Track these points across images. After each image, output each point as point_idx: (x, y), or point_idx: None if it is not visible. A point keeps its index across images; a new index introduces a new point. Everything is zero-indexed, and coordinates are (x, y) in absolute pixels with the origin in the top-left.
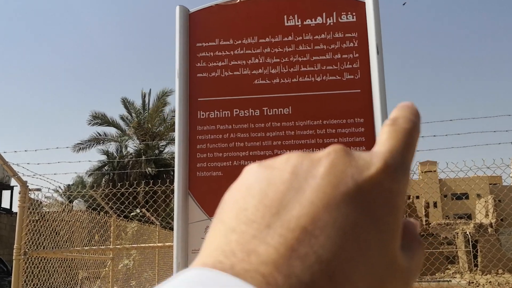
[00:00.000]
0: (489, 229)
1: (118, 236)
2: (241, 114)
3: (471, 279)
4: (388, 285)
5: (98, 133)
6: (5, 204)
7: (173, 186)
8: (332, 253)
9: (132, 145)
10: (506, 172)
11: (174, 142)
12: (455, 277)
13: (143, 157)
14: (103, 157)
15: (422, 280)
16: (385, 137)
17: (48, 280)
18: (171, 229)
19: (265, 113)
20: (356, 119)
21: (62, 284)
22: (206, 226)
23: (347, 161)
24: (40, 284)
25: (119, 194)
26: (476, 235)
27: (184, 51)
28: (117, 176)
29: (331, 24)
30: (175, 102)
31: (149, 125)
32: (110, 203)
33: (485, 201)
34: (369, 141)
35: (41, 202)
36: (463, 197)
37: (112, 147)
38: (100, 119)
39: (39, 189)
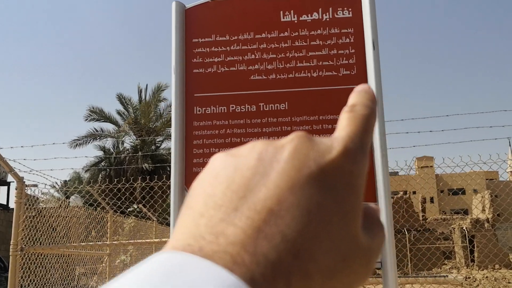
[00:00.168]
0: (486, 224)
1: (115, 232)
2: (238, 109)
3: (468, 274)
4: (351, 262)
5: (95, 129)
6: (2, 200)
7: (170, 182)
8: (297, 232)
9: (129, 141)
10: (503, 167)
11: (170, 138)
12: (452, 273)
13: (140, 153)
14: (100, 153)
15: (419, 275)
16: (344, 123)
17: (45, 276)
18: (168, 224)
19: (261, 109)
20: None
21: (59, 280)
22: None
23: (310, 146)
24: (37, 280)
25: (115, 189)
26: (473, 230)
27: (180, 47)
28: (114, 171)
29: (327, 19)
30: (172, 98)
31: (144, 120)
32: (107, 199)
33: (482, 196)
34: None
35: (37, 198)
36: (460, 193)
37: (109, 143)
38: (98, 114)
39: (35, 185)
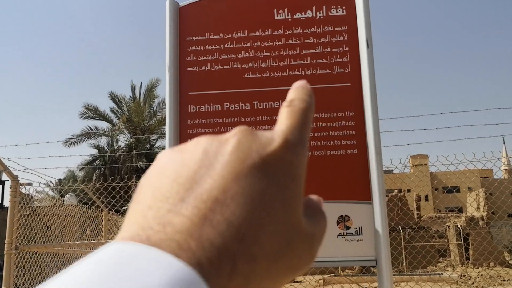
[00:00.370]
0: (480, 222)
1: (110, 230)
2: (232, 108)
3: (463, 272)
4: (294, 247)
5: (89, 127)
6: None
7: None
8: (242, 218)
9: (123, 139)
10: (497, 165)
11: (165, 136)
12: (447, 270)
13: (134, 151)
14: (95, 151)
15: (414, 273)
16: (284, 117)
17: (40, 274)
18: None
19: (255, 107)
20: (346, 113)
21: None
22: None
23: (252, 139)
24: (32, 279)
25: (110, 188)
26: (468, 228)
27: (174, 45)
28: (108, 170)
29: (321, 17)
30: (166, 96)
31: (137, 118)
32: (102, 197)
33: (476, 194)
34: (360, 134)
35: (32, 197)
36: (454, 191)
37: (103, 141)
38: (93, 111)
39: (30, 184)
